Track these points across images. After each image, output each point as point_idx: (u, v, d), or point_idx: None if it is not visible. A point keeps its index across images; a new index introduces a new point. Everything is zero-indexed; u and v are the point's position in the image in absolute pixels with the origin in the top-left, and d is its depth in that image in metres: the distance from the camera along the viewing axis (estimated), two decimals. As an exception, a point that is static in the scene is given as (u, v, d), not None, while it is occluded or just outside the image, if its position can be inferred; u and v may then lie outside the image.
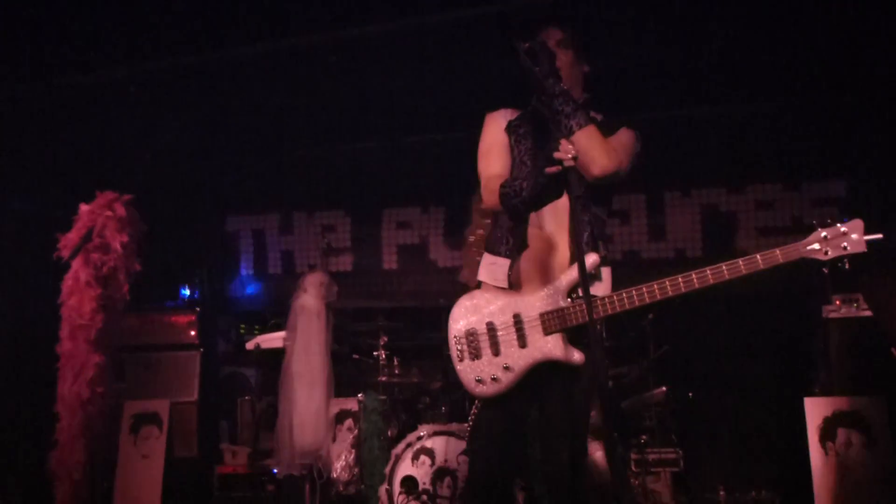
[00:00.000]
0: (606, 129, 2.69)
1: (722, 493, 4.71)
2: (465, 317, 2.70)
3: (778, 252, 2.45)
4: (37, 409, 4.47)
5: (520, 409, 2.72)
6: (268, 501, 5.02)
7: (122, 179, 3.62)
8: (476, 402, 2.77)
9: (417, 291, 6.26)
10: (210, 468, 5.21)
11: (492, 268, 2.73)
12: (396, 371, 5.15)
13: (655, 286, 2.49)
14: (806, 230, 2.50)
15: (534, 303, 2.62)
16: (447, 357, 5.03)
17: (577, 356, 2.55)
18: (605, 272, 2.68)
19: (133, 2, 4.20)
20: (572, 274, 2.58)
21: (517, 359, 2.60)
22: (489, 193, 2.68)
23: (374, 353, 5.16)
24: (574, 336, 2.58)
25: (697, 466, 4.84)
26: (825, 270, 2.85)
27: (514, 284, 2.66)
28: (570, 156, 2.28)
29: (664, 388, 4.64)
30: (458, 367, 2.68)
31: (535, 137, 2.76)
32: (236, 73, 4.90)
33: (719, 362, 5.32)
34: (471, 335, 2.66)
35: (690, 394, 4.87)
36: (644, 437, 4.63)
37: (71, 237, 3.36)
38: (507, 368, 2.60)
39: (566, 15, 2.91)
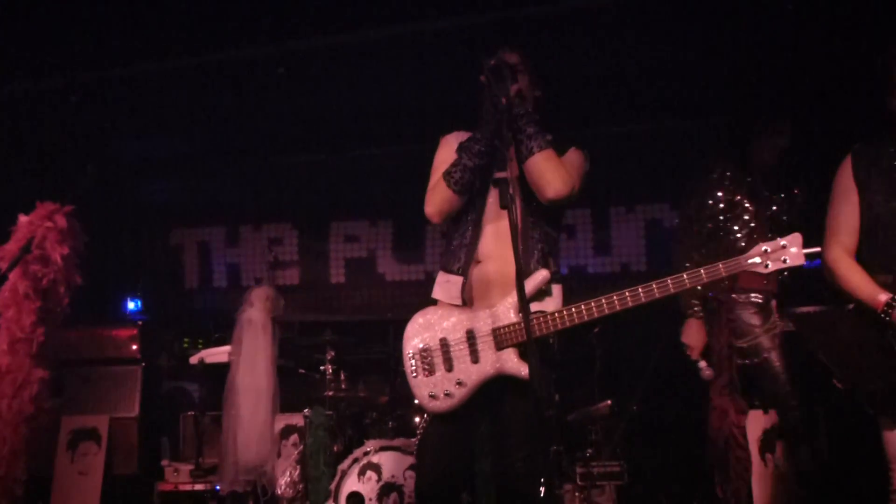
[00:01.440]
0: (556, 148, 2.73)
1: (665, 505, 4.77)
2: (419, 333, 2.73)
3: (720, 266, 2.51)
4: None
5: (469, 423, 2.75)
6: (211, 519, 4.92)
7: (63, 190, 3.53)
8: (425, 415, 2.78)
9: (365, 305, 6.24)
10: (151, 485, 5.09)
11: (446, 285, 2.78)
12: (343, 386, 5.10)
13: (604, 301, 2.54)
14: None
15: (486, 319, 2.65)
16: (395, 372, 5.09)
17: (525, 370, 2.57)
18: (556, 288, 2.73)
19: (77, 12, 4.12)
20: (525, 288, 2.60)
21: (470, 374, 2.63)
22: (430, 194, 2.76)
23: (321, 368, 5.10)
24: (525, 351, 2.60)
25: (641, 479, 4.89)
26: (766, 283, 2.93)
27: (468, 301, 2.72)
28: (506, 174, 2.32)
29: (609, 402, 4.69)
30: (412, 382, 2.72)
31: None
32: (182, 84, 4.84)
33: (663, 374, 5.40)
34: (424, 351, 2.70)
35: (635, 406, 4.93)
36: (589, 450, 4.67)
37: (9, 248, 3.26)
38: (459, 384, 2.64)
39: (520, 39, 2.97)
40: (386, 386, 5.26)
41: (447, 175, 2.71)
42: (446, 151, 2.86)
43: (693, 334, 4.03)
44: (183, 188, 6.52)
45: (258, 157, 6.19)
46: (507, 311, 2.64)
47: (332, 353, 5.10)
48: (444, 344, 2.68)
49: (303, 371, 5.33)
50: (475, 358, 2.64)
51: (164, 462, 5.23)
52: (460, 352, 2.65)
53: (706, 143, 5.60)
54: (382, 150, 5.95)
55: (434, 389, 2.66)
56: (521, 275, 2.32)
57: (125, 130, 5.45)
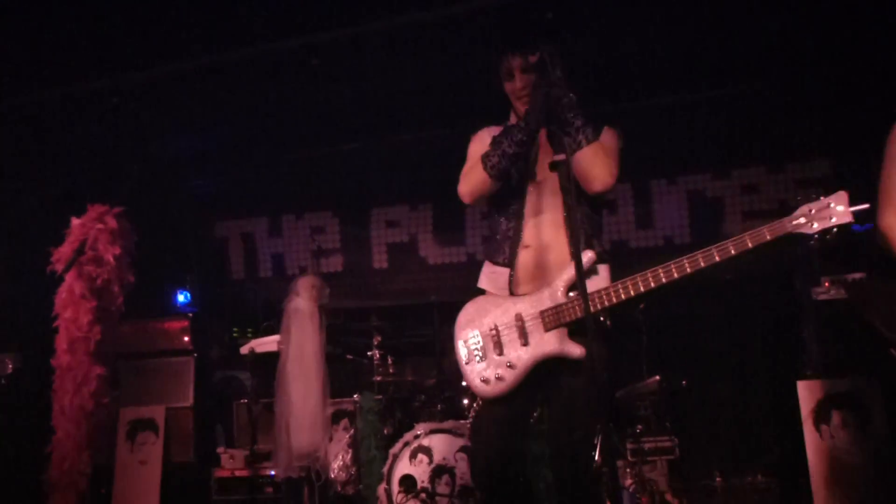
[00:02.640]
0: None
1: (718, 479, 4.75)
2: (469, 321, 2.78)
3: (765, 230, 2.47)
4: (31, 422, 4.47)
5: (521, 407, 2.77)
6: (266, 504, 5.03)
7: (111, 191, 3.62)
8: (477, 400, 2.82)
9: (408, 289, 6.27)
10: (207, 472, 5.21)
11: (492, 276, 2.82)
12: (391, 370, 5.16)
13: (649, 275, 2.53)
14: (792, 211, 2.53)
15: (534, 302, 2.68)
16: (441, 354, 5.12)
17: (576, 350, 2.59)
18: (603, 269, 2.73)
19: (115, 14, 4.19)
20: (569, 272, 2.64)
21: (520, 356, 2.66)
22: (464, 176, 2.78)
23: (368, 353, 5.17)
24: (575, 331, 2.62)
25: (693, 454, 4.87)
26: (813, 244, 2.87)
27: (515, 290, 2.75)
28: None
29: (657, 377, 4.67)
30: (465, 370, 2.76)
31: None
32: (221, 80, 4.88)
33: (711, 348, 5.36)
34: (475, 339, 2.74)
35: (684, 381, 4.90)
36: (639, 426, 4.66)
37: (64, 251, 3.36)
38: (510, 366, 2.66)
39: (557, 30, 2.95)
40: (433, 368, 5.31)
41: (485, 158, 2.72)
42: (479, 145, 2.87)
43: None
44: (225, 181, 6.60)
45: (298, 148, 6.24)
46: (554, 293, 2.65)
47: (379, 338, 5.16)
48: (494, 329, 2.71)
49: (350, 357, 5.39)
50: (525, 341, 2.66)
51: (220, 449, 5.35)
52: (510, 335, 2.68)
53: (745, 111, 5.53)
54: (420, 135, 5.94)
55: (486, 374, 2.69)
56: (579, 255, 2.33)
57: (168, 128, 5.53)
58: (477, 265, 5.96)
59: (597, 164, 2.63)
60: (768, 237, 2.47)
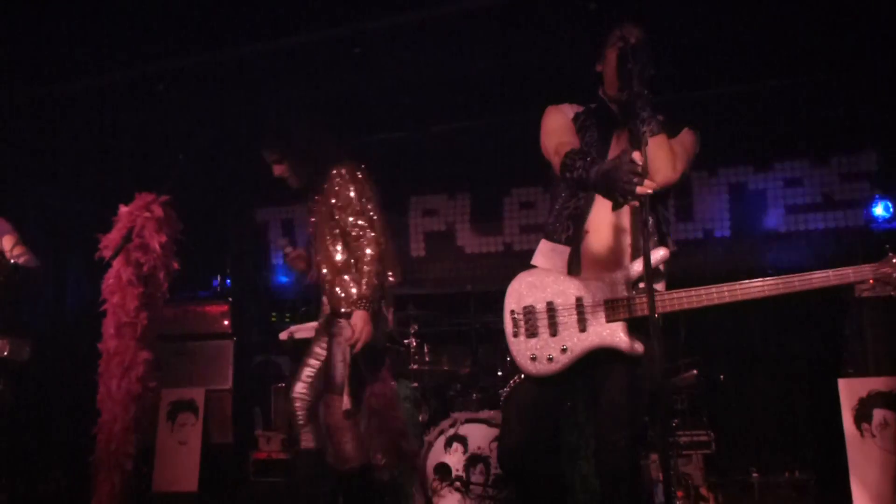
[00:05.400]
0: (670, 128, 2.67)
1: (755, 475, 4.70)
2: (525, 292, 2.67)
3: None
4: (77, 403, 4.59)
5: (560, 392, 2.72)
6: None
7: (156, 176, 3.69)
8: (517, 375, 2.76)
9: (445, 278, 6.29)
10: (245, 454, 5.29)
11: (551, 254, 2.72)
12: (427, 358, 5.20)
13: (726, 289, 2.47)
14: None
15: (598, 289, 2.59)
16: (476, 342, 5.12)
17: (638, 346, 2.54)
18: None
19: (159, 2, 4.24)
20: (637, 266, 2.57)
21: (576, 342, 2.58)
22: (558, 158, 2.63)
23: (405, 341, 5.21)
24: (635, 327, 2.56)
25: (730, 448, 4.84)
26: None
27: (574, 271, 2.66)
28: (649, 191, 2.28)
29: (695, 371, 4.63)
30: (512, 341, 2.67)
31: (600, 131, 2.76)
32: (263, 68, 4.93)
33: (749, 343, 5.31)
34: (529, 312, 2.65)
35: (721, 376, 4.87)
36: (675, 420, 4.64)
37: (112, 237, 3.43)
38: (564, 350, 2.59)
39: (642, 13, 2.90)
40: (468, 357, 5.33)
41: (564, 167, 2.58)
42: (559, 119, 2.79)
43: None
44: (267, 167, 6.65)
45: (338, 135, 6.27)
46: (618, 285, 2.58)
47: (416, 327, 5.19)
48: (551, 308, 2.62)
49: (388, 344, 5.43)
50: (583, 326, 2.58)
51: (258, 432, 5.43)
52: (567, 318, 2.60)
53: (789, 103, 5.44)
54: (459, 125, 5.94)
55: (536, 352, 2.61)
56: (648, 251, 2.29)
57: (210, 115, 5.59)
58: (513, 255, 5.97)
59: (659, 156, 2.53)
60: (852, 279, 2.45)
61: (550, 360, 2.59)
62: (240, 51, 4.73)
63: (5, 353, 3.76)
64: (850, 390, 4.17)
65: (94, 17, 4.39)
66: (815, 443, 4.97)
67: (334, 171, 3.53)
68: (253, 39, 4.64)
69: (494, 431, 4.30)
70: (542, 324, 2.62)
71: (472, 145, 5.90)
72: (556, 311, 2.62)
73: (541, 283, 2.66)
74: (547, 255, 2.73)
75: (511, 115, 5.54)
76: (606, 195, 2.42)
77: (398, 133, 6.17)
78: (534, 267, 2.75)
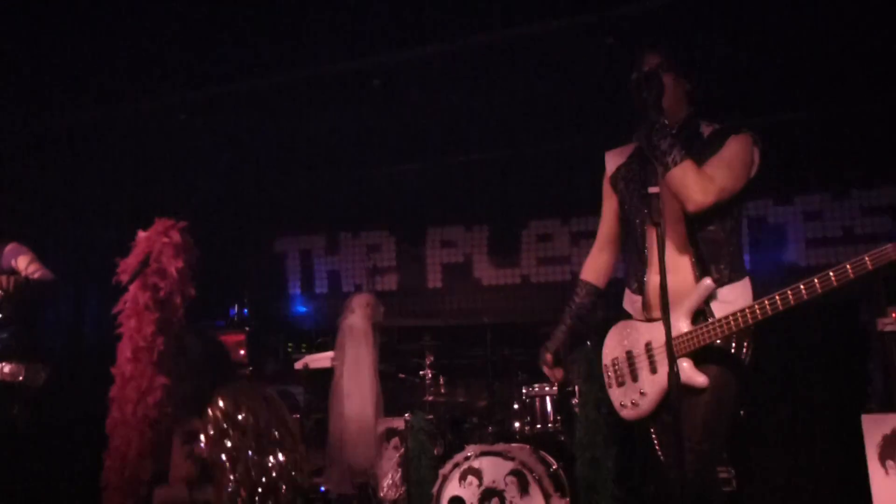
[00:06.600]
0: (716, 138, 2.68)
1: (777, 512, 4.60)
2: (613, 346, 2.86)
3: (867, 258, 2.31)
4: (93, 429, 4.59)
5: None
6: (317, 519, 5.04)
7: (175, 204, 3.73)
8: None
9: (462, 310, 6.27)
10: (260, 484, 5.25)
11: (630, 303, 2.84)
12: (442, 390, 5.16)
13: (767, 303, 2.44)
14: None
15: (661, 331, 2.55)
16: (493, 375, 5.09)
17: (700, 379, 2.54)
18: (739, 286, 2.63)
19: (181, 33, 4.33)
20: (692, 299, 2.59)
21: (651, 384, 2.69)
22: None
23: (421, 372, 5.18)
24: (702, 359, 2.57)
25: (751, 485, 4.74)
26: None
27: (649, 315, 2.74)
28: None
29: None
30: (609, 392, 2.86)
31: (640, 161, 2.78)
32: (282, 99, 5.00)
33: (772, 379, 5.22)
34: (616, 363, 2.82)
35: (742, 412, 4.78)
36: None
37: (129, 262, 3.44)
38: (643, 394, 2.71)
39: (659, 39, 2.90)
40: (484, 390, 5.28)
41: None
42: (606, 189, 2.97)
43: None
44: (286, 197, 6.72)
45: (356, 166, 6.33)
46: (678, 322, 2.59)
47: (431, 358, 5.16)
48: (630, 356, 2.77)
49: (403, 375, 5.40)
50: (653, 369, 2.68)
51: (273, 463, 5.39)
52: (642, 363, 2.72)
53: (809, 136, 5.41)
54: (476, 157, 5.97)
55: (624, 399, 2.78)
56: (664, 271, 2.32)
57: (230, 144, 5.67)
58: (530, 287, 5.95)
59: (686, 185, 2.52)
60: (870, 267, 2.31)
61: (634, 404, 2.75)
62: (261, 82, 4.80)
63: (20, 378, 3.77)
64: (874, 427, 4.09)
65: (116, 48, 4.49)
66: (839, 480, 4.85)
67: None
68: (273, 71, 4.71)
69: (510, 464, 4.25)
70: (625, 372, 2.79)
71: (490, 177, 5.92)
72: (633, 358, 2.76)
73: (623, 334, 2.83)
74: (629, 302, 2.86)
75: (529, 147, 5.57)
76: None
77: (416, 164, 6.21)
78: (623, 311, 2.88)
